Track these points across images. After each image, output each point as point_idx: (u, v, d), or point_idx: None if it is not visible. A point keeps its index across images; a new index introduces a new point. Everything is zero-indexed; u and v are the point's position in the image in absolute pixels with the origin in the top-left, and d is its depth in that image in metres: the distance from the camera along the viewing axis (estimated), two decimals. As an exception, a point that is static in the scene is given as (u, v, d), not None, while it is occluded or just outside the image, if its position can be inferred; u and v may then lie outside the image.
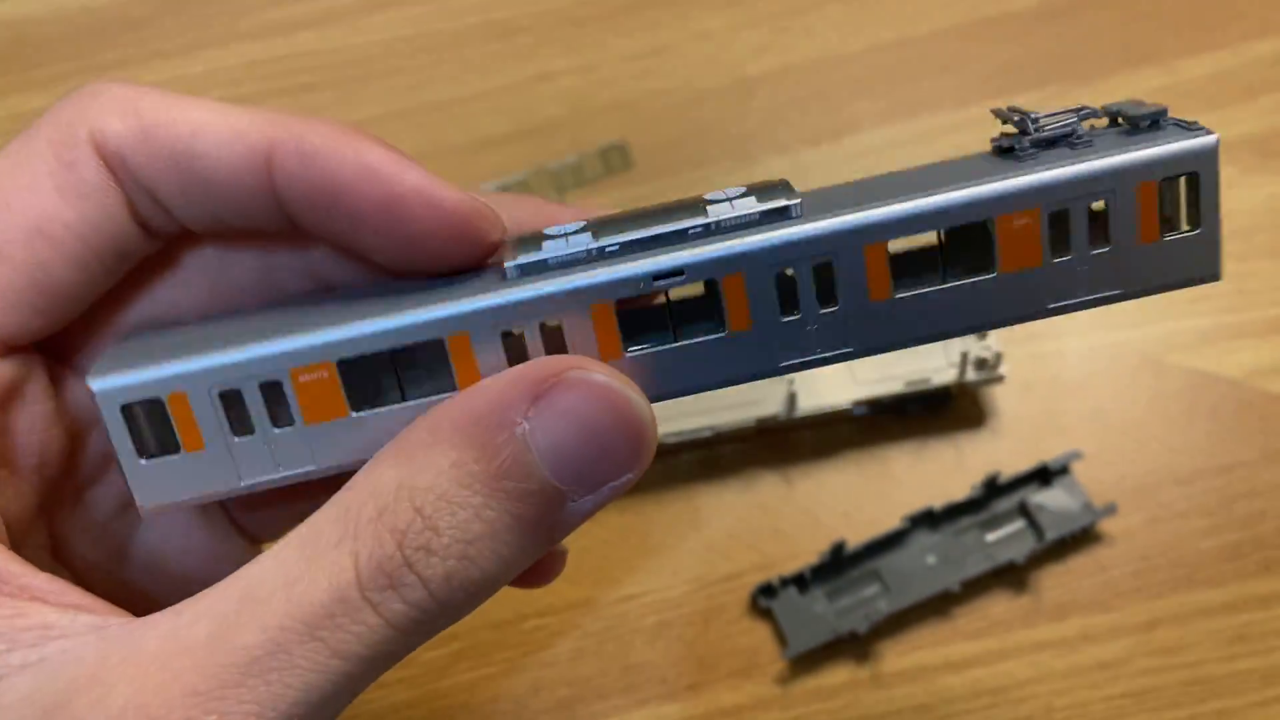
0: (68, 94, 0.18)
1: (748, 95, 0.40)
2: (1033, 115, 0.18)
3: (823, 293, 0.17)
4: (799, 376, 0.32)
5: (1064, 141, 0.17)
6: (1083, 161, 0.16)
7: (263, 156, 0.18)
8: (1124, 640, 0.30)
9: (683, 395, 0.18)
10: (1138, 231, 0.17)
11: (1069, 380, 0.33)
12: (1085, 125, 0.18)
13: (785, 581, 0.31)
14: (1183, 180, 0.17)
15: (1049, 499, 0.31)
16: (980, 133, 0.38)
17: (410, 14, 0.43)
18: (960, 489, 0.32)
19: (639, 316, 0.18)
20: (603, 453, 0.16)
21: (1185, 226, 0.17)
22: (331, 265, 0.20)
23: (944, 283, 0.17)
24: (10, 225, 0.17)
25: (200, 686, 0.15)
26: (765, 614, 0.31)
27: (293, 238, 0.20)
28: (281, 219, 0.18)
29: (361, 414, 0.17)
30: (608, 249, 0.17)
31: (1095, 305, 0.17)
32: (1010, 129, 0.18)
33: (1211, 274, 0.17)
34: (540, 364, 0.17)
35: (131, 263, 0.19)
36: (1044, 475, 0.32)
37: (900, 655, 0.30)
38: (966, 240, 0.17)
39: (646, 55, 0.41)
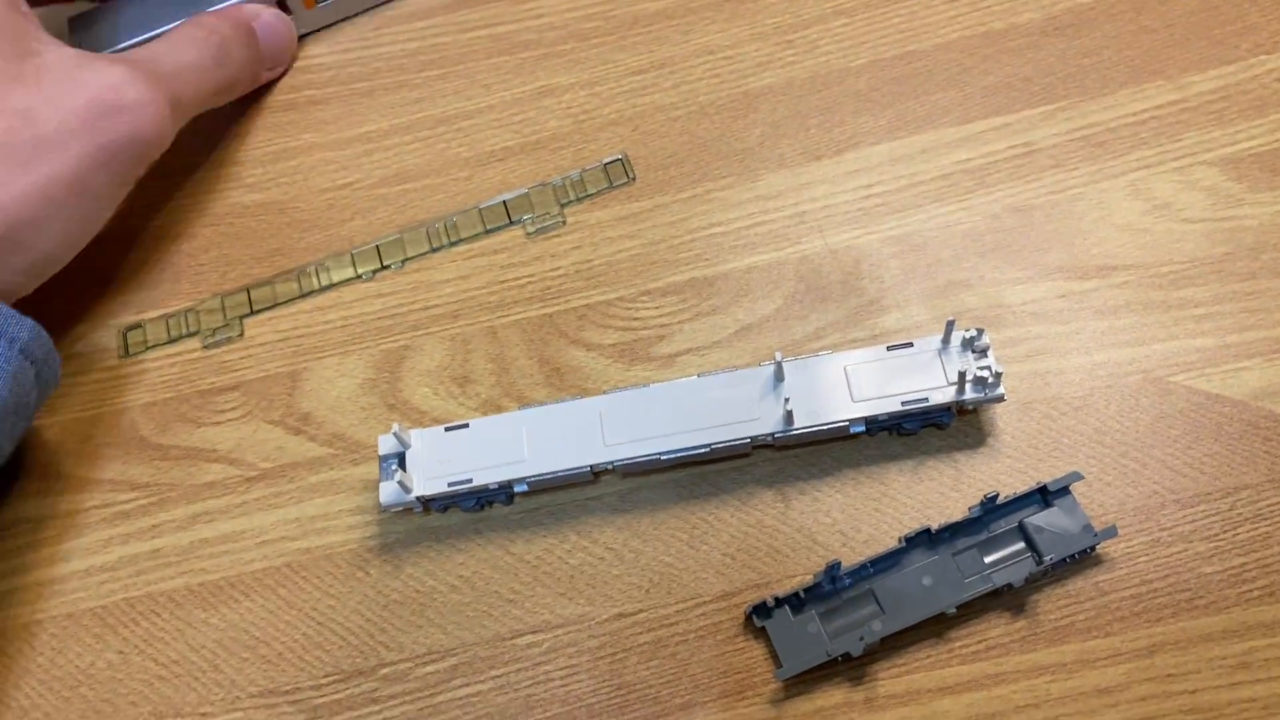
0: None
1: (750, 109, 0.40)
2: None
3: None
4: (795, 395, 0.32)
5: None
6: None
7: None
8: (1123, 666, 0.30)
9: None
10: None
11: (1070, 399, 0.33)
12: None
13: (779, 601, 0.31)
14: None
15: (1048, 520, 0.31)
16: (982, 149, 0.37)
17: (415, 29, 0.43)
18: (958, 509, 0.32)
19: None
20: None
21: None
22: None
23: None
24: None
25: None
26: (760, 634, 0.31)
27: None
28: None
29: None
30: None
31: None
32: None
33: None
34: None
35: None
36: (1043, 496, 0.31)
37: (895, 678, 0.30)
38: None
39: (650, 69, 0.41)
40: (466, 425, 0.33)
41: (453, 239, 0.39)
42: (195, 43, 0.36)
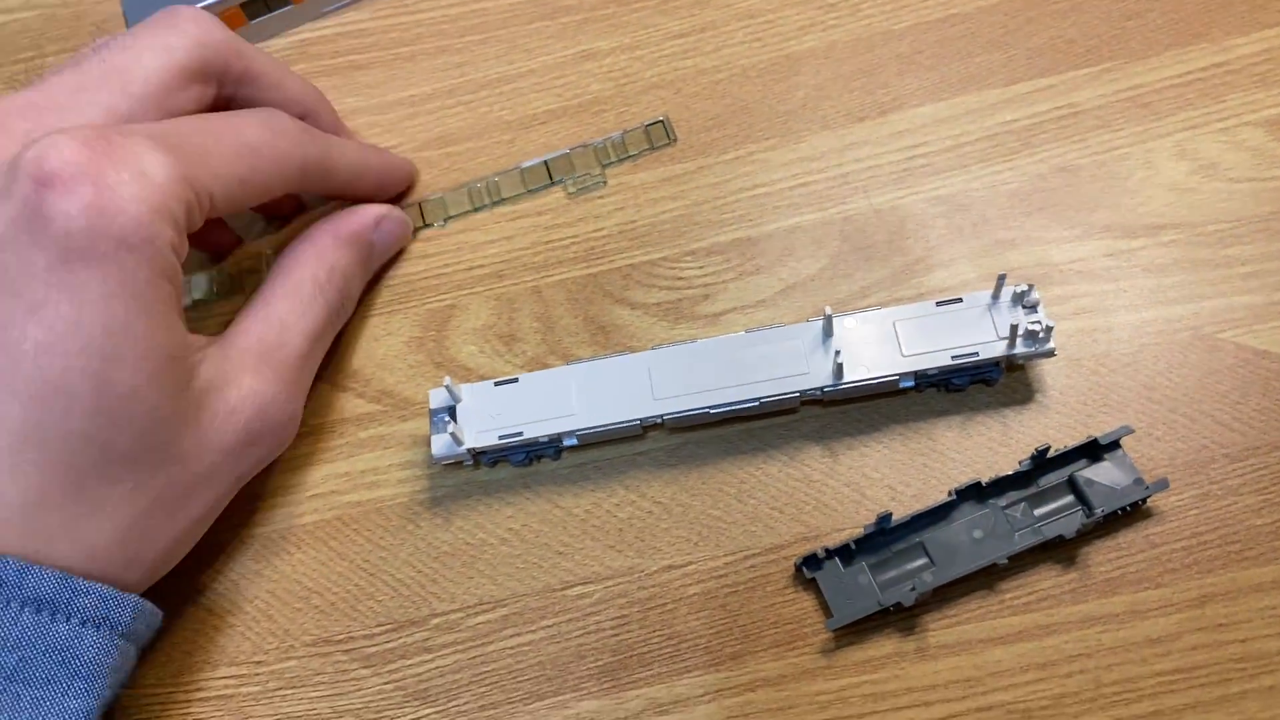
0: None
1: (792, 72, 0.40)
2: None
3: None
4: (844, 349, 0.32)
5: None
6: None
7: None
8: (1174, 616, 0.30)
9: None
10: None
11: (1119, 356, 0.33)
12: None
13: (830, 553, 0.31)
14: None
15: (1099, 474, 0.31)
16: (1027, 109, 0.37)
17: (457, -7, 0.43)
18: (1007, 464, 0.32)
19: None
20: None
21: None
22: None
23: None
24: None
25: None
26: (809, 585, 0.31)
27: None
28: None
29: None
30: None
31: None
32: None
33: None
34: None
35: None
36: (1093, 450, 0.31)
37: (945, 628, 0.30)
38: None
39: (691, 33, 0.41)
40: (516, 380, 0.34)
41: (494, 198, 0.39)
42: (321, 293, 0.33)
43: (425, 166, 0.40)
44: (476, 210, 0.39)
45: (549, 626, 0.32)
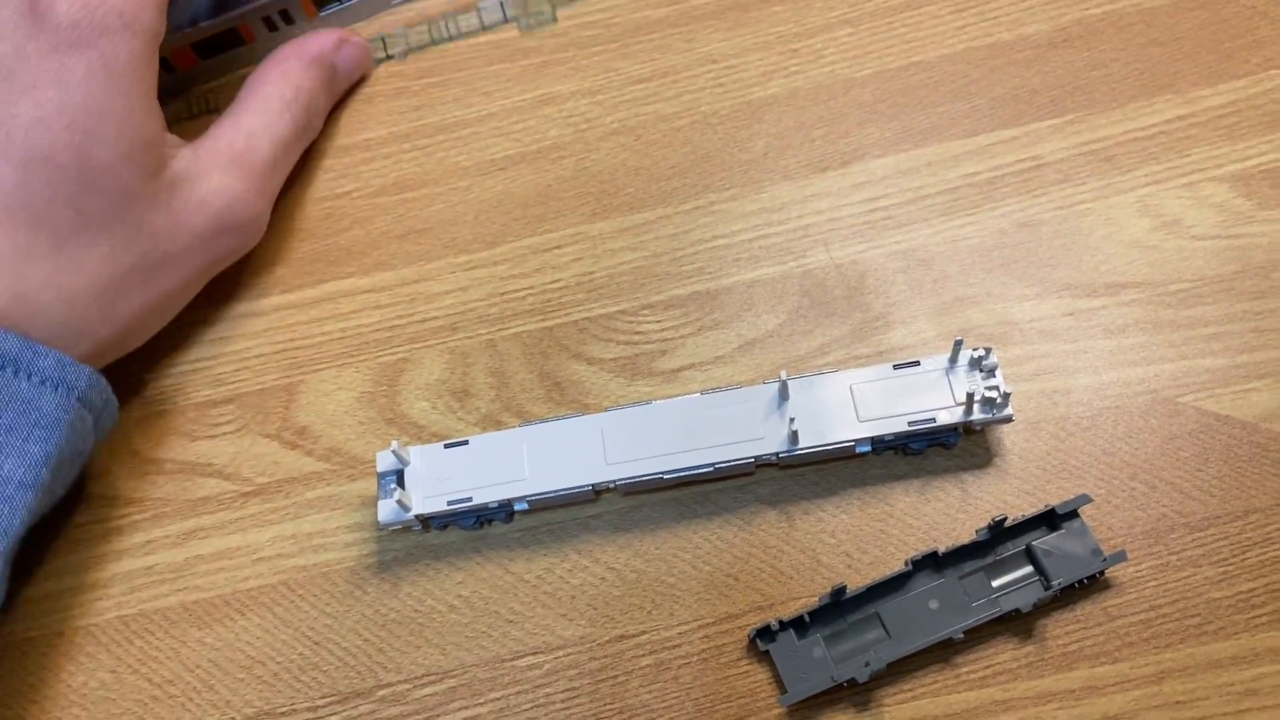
0: None
1: (754, 120, 0.39)
2: None
3: None
4: (800, 414, 0.31)
5: None
6: None
7: None
8: (1132, 693, 0.29)
9: None
10: None
11: (1078, 419, 0.33)
12: None
13: (784, 624, 0.30)
14: None
15: (1056, 544, 0.30)
16: (989, 162, 0.37)
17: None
18: (965, 530, 0.32)
19: None
20: None
21: None
22: None
23: None
24: None
25: None
26: (764, 657, 0.31)
27: None
28: None
29: None
30: None
31: None
32: None
33: None
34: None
35: None
36: (1051, 519, 0.31)
37: (900, 703, 0.30)
38: None
39: (653, 78, 0.40)
40: (466, 442, 0.33)
41: (454, 33, 0.42)
42: (288, 109, 0.37)
43: (380, 213, 0.39)
44: (435, 44, 0.42)
45: (497, 699, 0.31)
